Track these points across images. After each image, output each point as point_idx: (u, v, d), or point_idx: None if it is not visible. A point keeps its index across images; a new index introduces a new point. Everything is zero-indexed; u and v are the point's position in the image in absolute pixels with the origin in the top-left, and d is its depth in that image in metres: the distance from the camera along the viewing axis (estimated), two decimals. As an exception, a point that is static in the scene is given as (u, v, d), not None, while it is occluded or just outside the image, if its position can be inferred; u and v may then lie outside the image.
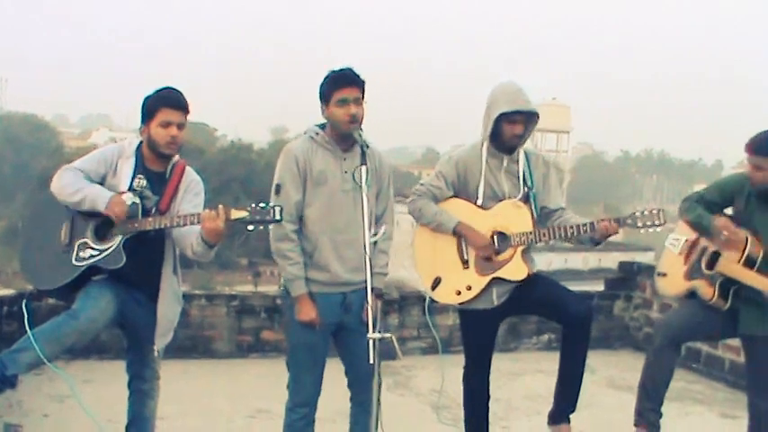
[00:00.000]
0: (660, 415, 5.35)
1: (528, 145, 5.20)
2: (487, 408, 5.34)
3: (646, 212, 4.79)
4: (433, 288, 5.13)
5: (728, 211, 5.31)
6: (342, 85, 4.55)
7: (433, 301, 5.21)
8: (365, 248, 4.26)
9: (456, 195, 5.15)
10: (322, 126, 4.73)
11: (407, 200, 5.20)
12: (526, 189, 5.11)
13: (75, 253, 4.56)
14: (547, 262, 47.22)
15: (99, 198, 4.48)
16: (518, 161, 5.11)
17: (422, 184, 5.20)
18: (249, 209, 4.32)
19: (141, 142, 4.72)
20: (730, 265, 5.08)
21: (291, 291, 4.64)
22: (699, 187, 5.85)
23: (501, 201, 5.07)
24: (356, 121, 4.54)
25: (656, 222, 4.74)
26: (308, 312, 4.61)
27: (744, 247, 5.04)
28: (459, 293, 5.08)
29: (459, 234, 5.06)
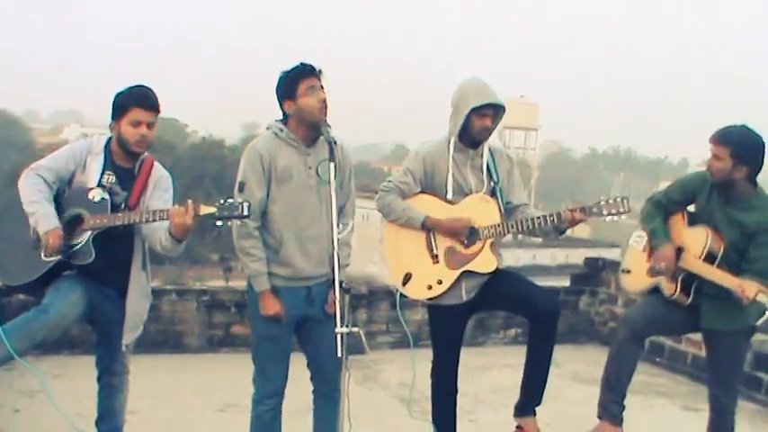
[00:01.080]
0: (623, 407, 5.44)
1: (495, 142, 5.29)
2: (455, 401, 5.42)
3: (611, 201, 4.86)
4: (404, 284, 5.20)
5: (691, 207, 5.43)
6: (307, 74, 4.62)
7: (403, 296, 5.27)
8: (333, 244, 4.32)
9: (423, 191, 5.23)
10: (284, 121, 4.77)
11: (376, 196, 5.27)
12: (492, 183, 5.20)
13: (44, 249, 4.60)
14: (515, 258, 47.37)
15: (40, 224, 4.49)
16: (482, 156, 5.21)
17: (389, 181, 5.27)
18: (217, 205, 4.37)
19: (110, 138, 4.75)
20: (692, 260, 5.18)
21: (255, 286, 4.69)
22: (665, 185, 5.95)
23: (467, 195, 5.16)
24: (326, 107, 4.60)
25: (621, 210, 4.82)
26: (272, 306, 4.66)
27: (705, 242, 5.15)
28: (430, 288, 5.15)
29: (429, 228, 5.14)
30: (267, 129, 4.81)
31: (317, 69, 4.64)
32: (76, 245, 4.56)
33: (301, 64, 4.65)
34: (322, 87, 4.63)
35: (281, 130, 4.72)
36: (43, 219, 4.50)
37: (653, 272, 5.34)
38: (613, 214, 4.85)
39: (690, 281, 5.23)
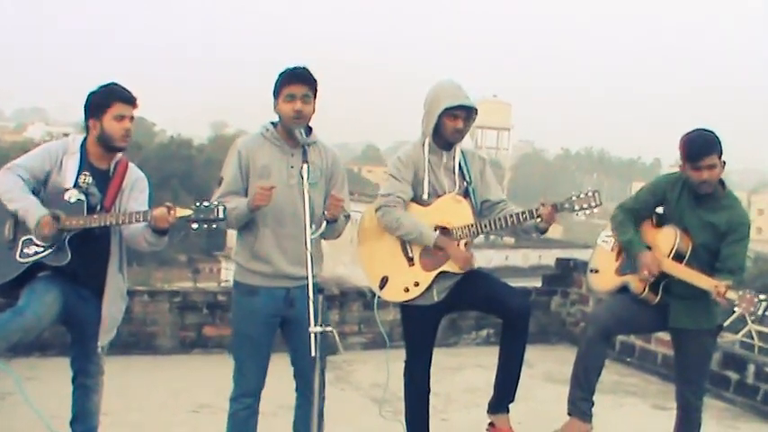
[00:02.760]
0: (592, 404, 5.48)
1: (466, 142, 5.34)
2: (428, 401, 5.47)
3: (582, 195, 4.95)
4: (381, 287, 5.23)
5: (659, 209, 5.49)
6: (291, 81, 4.67)
7: (379, 299, 5.29)
8: (306, 244, 4.36)
9: None
10: (275, 123, 4.84)
11: (378, 211, 5.20)
12: (464, 184, 5.24)
13: (19, 249, 4.59)
14: (487, 259, 47.35)
15: (29, 215, 4.51)
16: (455, 157, 5.25)
17: (390, 194, 5.19)
18: (193, 207, 4.41)
19: (85, 138, 4.76)
20: (665, 260, 5.24)
21: (243, 209, 4.63)
22: (638, 185, 6.02)
23: (440, 196, 5.20)
24: (301, 117, 4.65)
25: (593, 204, 4.90)
26: (264, 193, 4.56)
27: (673, 242, 5.22)
28: (407, 290, 5.18)
29: (441, 247, 5.10)
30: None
31: (308, 77, 4.70)
32: (52, 246, 4.56)
33: (296, 68, 4.71)
34: (307, 96, 4.67)
35: (268, 130, 4.81)
36: (31, 210, 4.51)
37: (623, 271, 5.39)
38: (585, 209, 4.92)
39: (658, 280, 5.28)
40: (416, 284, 5.17)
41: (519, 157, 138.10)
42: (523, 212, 5.04)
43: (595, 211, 4.97)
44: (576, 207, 4.93)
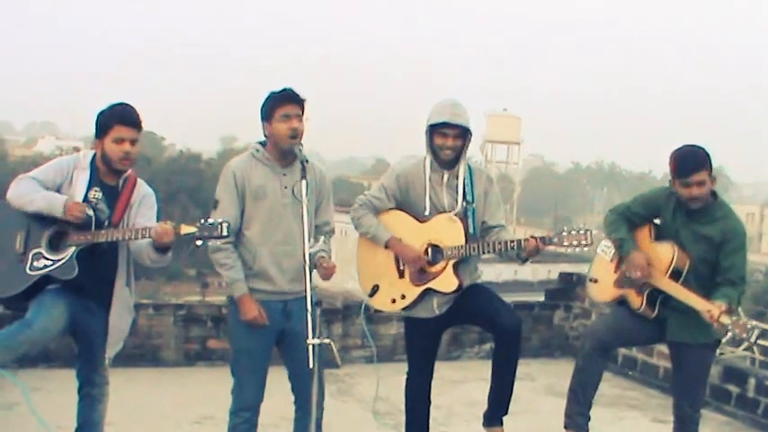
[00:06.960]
0: (588, 418, 5.53)
1: (478, 158, 5.40)
2: (428, 413, 5.53)
3: (573, 232, 4.97)
4: (371, 295, 5.33)
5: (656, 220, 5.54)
6: (285, 101, 4.80)
7: (369, 307, 5.39)
8: (305, 258, 4.43)
9: (398, 207, 5.34)
10: (263, 143, 4.94)
11: (351, 209, 5.37)
12: (465, 203, 5.30)
13: (29, 262, 4.66)
14: (496, 273, 47.45)
15: (55, 204, 4.60)
16: (458, 176, 5.30)
17: (364, 195, 5.40)
18: (198, 225, 4.50)
19: (95, 154, 4.85)
20: (658, 276, 5.28)
21: (234, 293, 4.84)
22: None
23: (440, 214, 5.26)
24: (296, 135, 4.77)
25: (582, 243, 4.91)
26: (250, 311, 4.80)
27: (671, 259, 5.27)
28: (393, 301, 5.29)
29: (391, 249, 5.26)
30: (248, 149, 4.99)
31: (299, 97, 4.82)
32: (60, 260, 4.63)
33: (283, 90, 4.84)
34: (299, 115, 4.80)
35: (258, 151, 4.91)
36: (54, 200, 4.63)
37: (624, 282, 5.43)
38: (574, 246, 4.93)
39: (655, 295, 5.32)
40: (403, 297, 5.28)
41: (529, 170, 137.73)
42: (511, 242, 5.08)
43: (585, 249, 4.99)
44: (566, 243, 4.94)
